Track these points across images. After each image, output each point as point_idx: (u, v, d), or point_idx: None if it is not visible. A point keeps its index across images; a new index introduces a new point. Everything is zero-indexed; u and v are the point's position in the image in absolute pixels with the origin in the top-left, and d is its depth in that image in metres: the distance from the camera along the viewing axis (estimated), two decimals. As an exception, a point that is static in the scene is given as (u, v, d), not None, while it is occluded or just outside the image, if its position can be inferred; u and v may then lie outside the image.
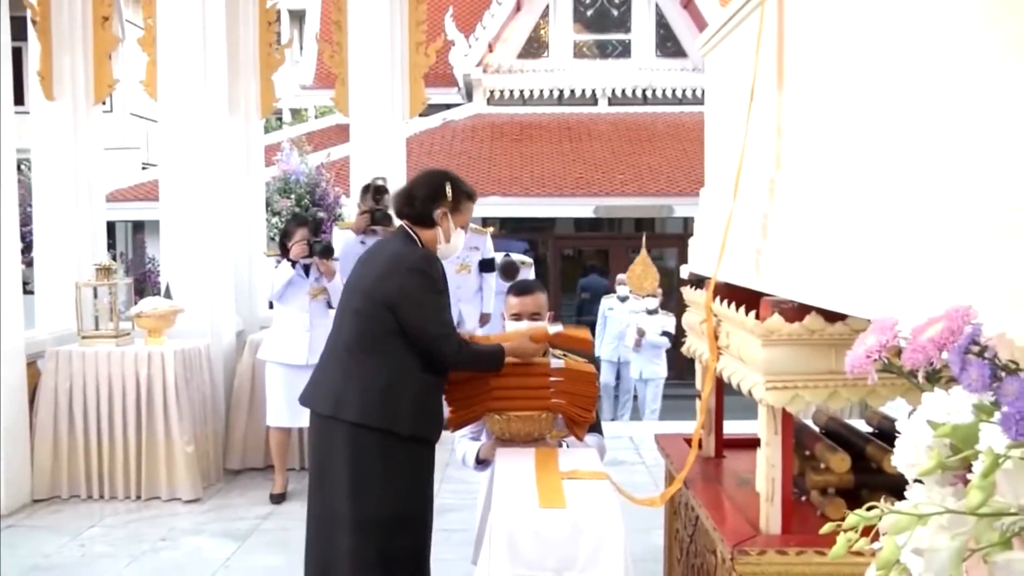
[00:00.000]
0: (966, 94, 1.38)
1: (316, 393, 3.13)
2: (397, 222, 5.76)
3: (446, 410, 3.29)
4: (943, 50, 1.45)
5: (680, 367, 13.31)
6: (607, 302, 9.82)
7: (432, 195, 3.12)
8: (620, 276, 9.85)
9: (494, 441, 3.21)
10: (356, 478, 2.97)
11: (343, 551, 2.99)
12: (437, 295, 3.05)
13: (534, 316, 3.37)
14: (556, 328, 3.28)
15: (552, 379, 3.19)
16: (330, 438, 3.04)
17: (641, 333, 8.60)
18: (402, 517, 3.02)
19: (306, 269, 5.29)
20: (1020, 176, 1.23)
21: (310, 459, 3.20)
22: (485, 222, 8.01)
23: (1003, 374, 0.75)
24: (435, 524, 3.22)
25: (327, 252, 5.24)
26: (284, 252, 5.29)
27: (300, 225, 5.39)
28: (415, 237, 3.12)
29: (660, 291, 8.80)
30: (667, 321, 8.76)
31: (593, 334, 8.62)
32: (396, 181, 6.57)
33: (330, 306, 5.31)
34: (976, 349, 0.78)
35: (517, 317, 3.37)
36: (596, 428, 3.36)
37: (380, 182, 5.96)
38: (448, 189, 3.13)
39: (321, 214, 9.20)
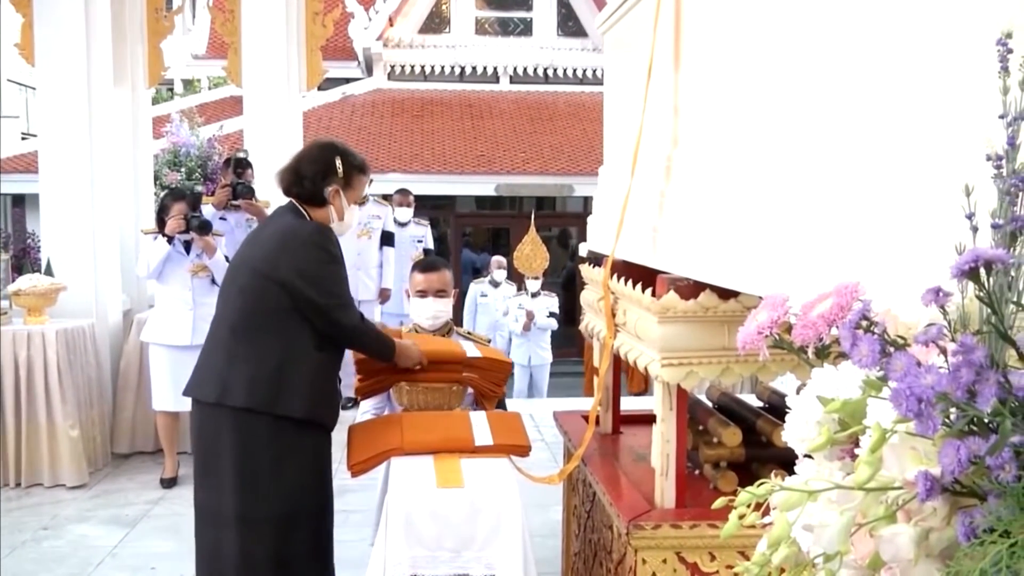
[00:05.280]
0: (853, 77, 1.40)
1: (199, 381, 2.86)
2: (262, 196, 5.69)
3: (353, 381, 3.21)
4: (831, 31, 1.48)
5: (580, 344, 13.51)
6: (478, 287, 8.99)
7: (322, 172, 2.89)
8: (496, 259, 9.17)
9: (401, 413, 3.17)
10: (243, 473, 2.73)
11: (231, 553, 2.76)
12: (335, 266, 2.86)
13: (439, 293, 3.37)
14: (475, 353, 3.18)
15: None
16: (215, 429, 2.78)
17: (531, 316, 8.24)
18: (297, 514, 2.79)
19: (187, 246, 5.09)
20: (903, 156, 1.26)
21: (193, 453, 2.94)
22: (387, 198, 7.85)
23: (891, 349, 0.76)
24: (334, 506, 3.12)
25: (204, 228, 5.01)
26: (162, 228, 5.07)
27: (177, 199, 5.12)
28: (305, 214, 2.89)
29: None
30: (551, 302, 8.48)
31: (460, 321, 8.41)
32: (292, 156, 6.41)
33: (214, 283, 5.15)
34: (866, 324, 0.78)
35: (422, 294, 3.37)
36: (501, 405, 3.38)
37: (242, 155, 5.81)
38: (339, 164, 2.89)
39: (199, 188, 8.89)
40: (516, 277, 8.73)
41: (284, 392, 2.73)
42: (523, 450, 2.95)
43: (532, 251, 8.07)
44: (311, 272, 2.78)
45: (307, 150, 3.02)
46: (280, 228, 2.88)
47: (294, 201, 2.92)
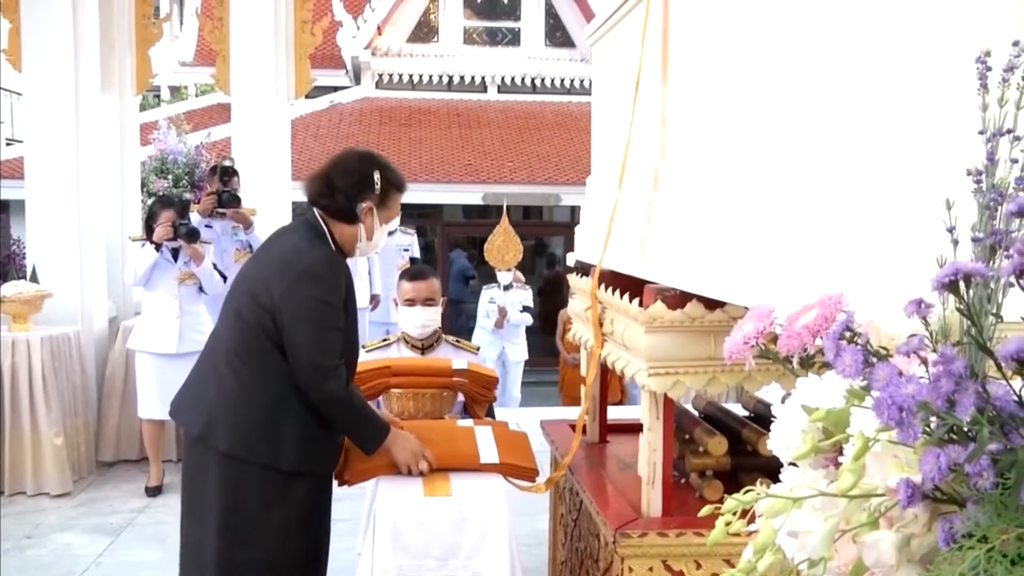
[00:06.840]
0: (837, 91, 1.43)
1: (185, 404, 2.64)
2: (249, 204, 5.67)
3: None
4: (818, 45, 1.50)
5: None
6: (489, 293, 8.35)
7: (358, 187, 2.59)
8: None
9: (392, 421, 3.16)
10: (226, 515, 2.51)
11: None
12: (332, 311, 2.51)
13: (427, 301, 3.37)
14: (461, 366, 2.92)
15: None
16: (200, 464, 2.56)
17: (503, 313, 7.80)
18: (282, 560, 2.56)
19: (175, 253, 5.11)
20: (886, 170, 1.29)
21: (182, 480, 2.70)
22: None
23: (874, 359, 0.77)
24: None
25: (192, 235, 5.04)
26: (150, 235, 5.09)
27: (166, 207, 5.16)
28: (325, 230, 2.61)
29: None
30: (525, 295, 8.00)
31: (469, 332, 8.14)
32: (280, 163, 6.41)
33: (202, 291, 5.16)
34: (849, 335, 0.80)
35: (411, 303, 3.37)
36: (490, 412, 3.39)
37: (228, 162, 5.84)
38: (377, 179, 2.60)
39: (187, 195, 8.89)
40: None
41: (272, 442, 2.49)
42: (530, 473, 2.83)
43: (504, 243, 7.52)
44: (301, 310, 2.48)
45: (343, 159, 2.71)
46: (285, 248, 2.61)
47: (318, 213, 2.63)
